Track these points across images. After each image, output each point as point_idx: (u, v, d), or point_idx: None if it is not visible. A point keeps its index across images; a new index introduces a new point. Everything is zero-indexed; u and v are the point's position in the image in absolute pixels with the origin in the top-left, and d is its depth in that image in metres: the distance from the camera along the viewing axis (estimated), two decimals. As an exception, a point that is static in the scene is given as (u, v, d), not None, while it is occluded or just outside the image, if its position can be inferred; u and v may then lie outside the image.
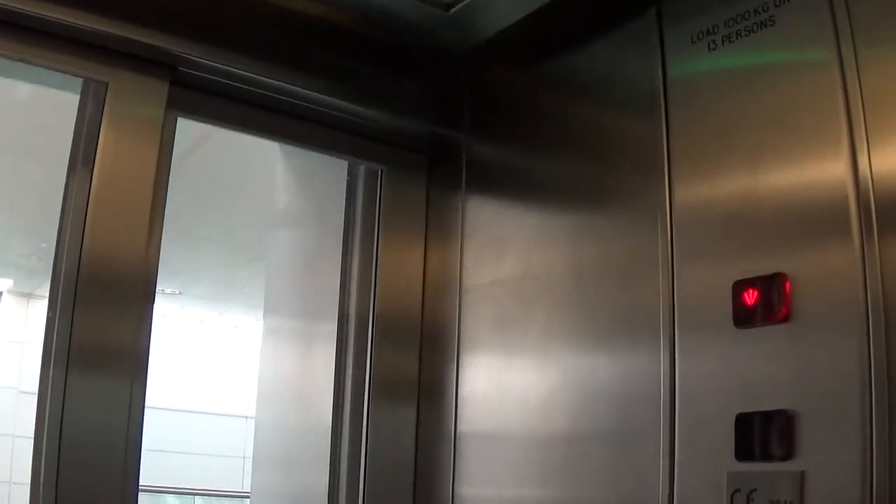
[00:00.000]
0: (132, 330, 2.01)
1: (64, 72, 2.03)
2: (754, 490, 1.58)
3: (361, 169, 2.57)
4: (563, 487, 2.00)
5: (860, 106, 1.57)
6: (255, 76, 2.19)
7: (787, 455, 1.54)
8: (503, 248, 2.29)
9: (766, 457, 1.58)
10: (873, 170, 1.53)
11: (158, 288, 2.15)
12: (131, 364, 2.00)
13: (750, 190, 1.72)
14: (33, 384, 1.91)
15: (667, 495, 1.73)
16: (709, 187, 1.81)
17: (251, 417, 3.29)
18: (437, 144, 2.55)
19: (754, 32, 1.78)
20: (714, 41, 1.85)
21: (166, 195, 2.11)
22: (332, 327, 2.47)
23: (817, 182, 1.62)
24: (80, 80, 2.08)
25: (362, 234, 2.52)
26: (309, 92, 2.28)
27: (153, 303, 2.08)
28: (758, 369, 1.63)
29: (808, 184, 1.63)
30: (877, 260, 1.50)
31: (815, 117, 1.64)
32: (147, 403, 2.02)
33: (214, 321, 12.70)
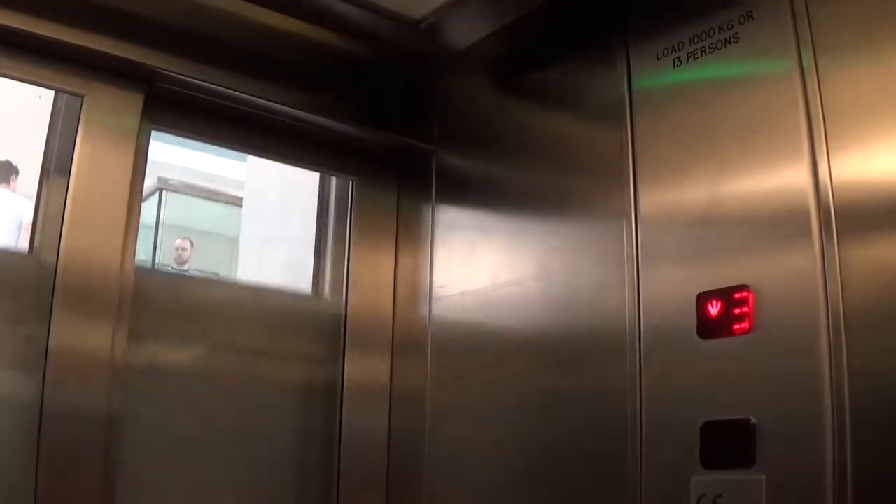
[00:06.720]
0: (109, 339, 2.02)
1: (40, 85, 2.04)
2: (719, 496, 1.61)
3: (333, 179, 2.60)
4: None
5: (820, 114, 1.62)
6: (228, 90, 2.22)
7: (751, 462, 1.58)
8: (473, 257, 2.33)
9: (731, 464, 1.61)
10: (833, 176, 1.58)
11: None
12: (109, 371, 2.01)
13: (713, 199, 1.76)
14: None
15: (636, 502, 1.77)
16: (673, 196, 1.85)
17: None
18: (407, 156, 2.58)
19: (719, 49, 1.82)
20: (679, 58, 1.89)
21: (141, 205, 2.13)
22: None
23: (779, 190, 1.66)
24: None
25: (334, 242, 2.56)
26: (281, 106, 2.31)
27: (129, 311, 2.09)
28: (722, 379, 1.67)
29: (771, 192, 1.67)
30: (836, 265, 1.54)
31: (776, 126, 1.69)
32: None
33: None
